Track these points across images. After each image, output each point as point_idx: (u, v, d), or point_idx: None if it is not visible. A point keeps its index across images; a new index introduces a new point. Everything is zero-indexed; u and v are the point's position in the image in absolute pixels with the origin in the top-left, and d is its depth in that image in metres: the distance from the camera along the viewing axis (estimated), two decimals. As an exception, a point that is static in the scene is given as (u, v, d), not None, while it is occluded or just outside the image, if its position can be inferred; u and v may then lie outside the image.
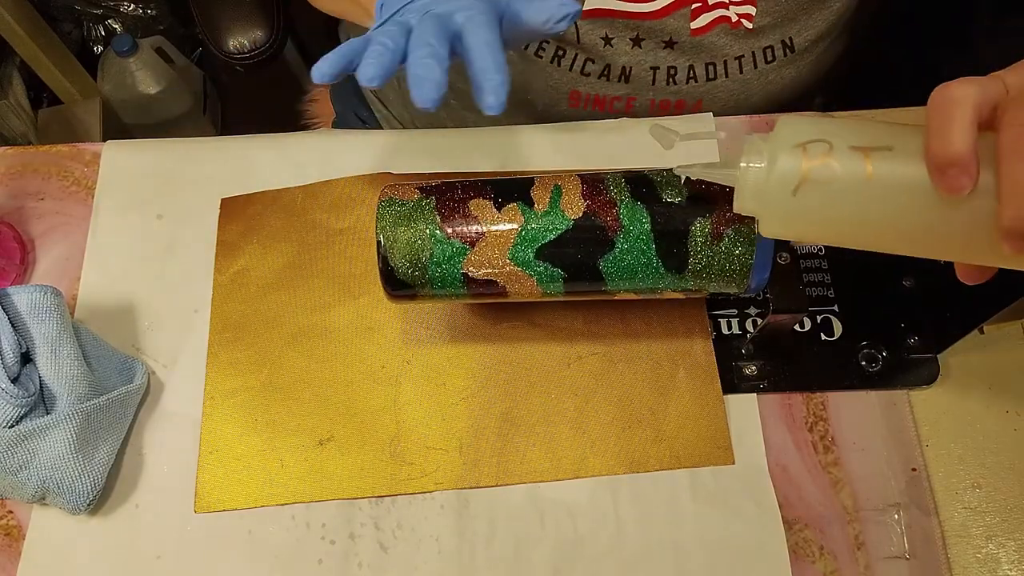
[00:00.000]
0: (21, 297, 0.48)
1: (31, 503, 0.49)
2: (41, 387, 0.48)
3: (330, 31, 0.85)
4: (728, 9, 0.59)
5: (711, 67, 0.62)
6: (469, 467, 0.51)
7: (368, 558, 0.49)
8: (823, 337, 0.54)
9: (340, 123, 0.84)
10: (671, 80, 0.63)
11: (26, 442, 0.46)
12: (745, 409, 0.52)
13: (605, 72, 0.62)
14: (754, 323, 0.55)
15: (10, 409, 0.45)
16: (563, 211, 0.44)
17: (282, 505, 0.50)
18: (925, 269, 0.53)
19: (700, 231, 0.43)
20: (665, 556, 0.49)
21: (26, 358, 0.49)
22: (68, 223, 0.59)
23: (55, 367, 0.48)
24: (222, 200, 0.59)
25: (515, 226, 0.44)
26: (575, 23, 0.57)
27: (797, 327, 0.54)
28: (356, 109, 0.81)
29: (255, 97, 1.40)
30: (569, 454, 0.51)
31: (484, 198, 0.45)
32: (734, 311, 0.55)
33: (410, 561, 0.49)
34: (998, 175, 0.31)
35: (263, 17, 0.75)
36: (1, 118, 1.19)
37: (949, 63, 0.74)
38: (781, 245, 0.47)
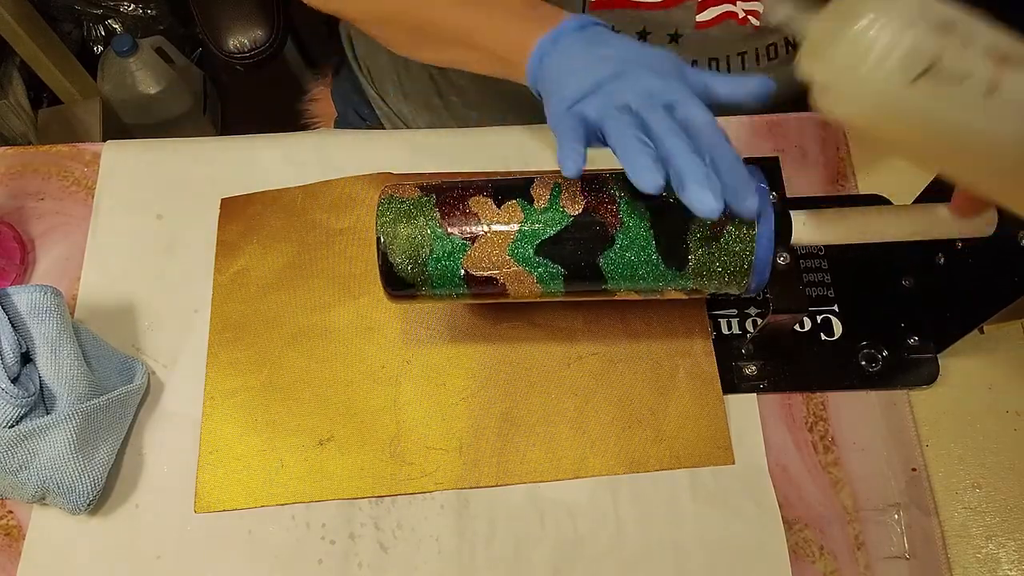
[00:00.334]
0: (21, 297, 0.48)
1: (31, 503, 0.49)
2: (41, 387, 0.48)
3: (330, 31, 0.85)
4: (735, 5, 0.59)
5: (714, 63, 0.62)
6: (469, 467, 0.51)
7: (368, 558, 0.49)
8: (823, 337, 0.54)
9: (342, 122, 0.84)
10: None
11: (26, 442, 0.46)
12: (745, 409, 0.52)
13: None
14: (754, 323, 0.55)
15: (10, 409, 0.45)
16: (563, 208, 0.44)
17: (282, 505, 0.50)
18: (925, 269, 0.53)
19: (700, 228, 0.43)
20: (665, 556, 0.49)
21: (26, 358, 0.49)
22: (68, 223, 0.59)
23: (55, 367, 0.48)
24: (222, 200, 0.59)
25: (515, 223, 0.44)
26: None
27: (797, 327, 0.54)
28: (357, 107, 0.81)
29: (255, 97, 1.40)
30: (569, 454, 0.51)
31: (484, 195, 0.45)
32: (734, 311, 0.55)
33: (410, 561, 0.49)
34: None
35: (263, 17, 0.75)
36: (1, 118, 1.19)
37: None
38: (781, 245, 0.47)
